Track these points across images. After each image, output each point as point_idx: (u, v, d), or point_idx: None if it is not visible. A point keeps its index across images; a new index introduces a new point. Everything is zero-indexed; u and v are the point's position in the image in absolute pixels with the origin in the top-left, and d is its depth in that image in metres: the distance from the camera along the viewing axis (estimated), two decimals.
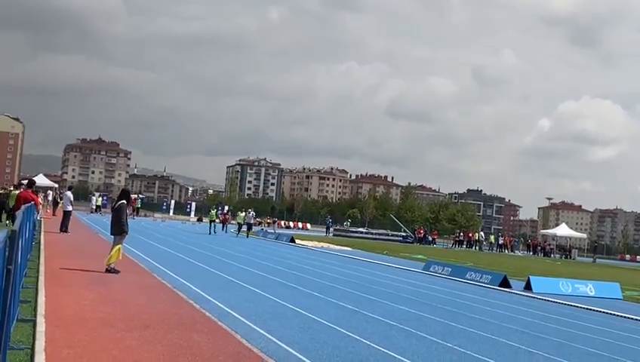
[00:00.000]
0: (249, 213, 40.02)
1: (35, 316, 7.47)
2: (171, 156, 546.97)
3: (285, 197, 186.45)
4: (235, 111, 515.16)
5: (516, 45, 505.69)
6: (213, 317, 8.69)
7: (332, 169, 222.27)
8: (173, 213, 65.61)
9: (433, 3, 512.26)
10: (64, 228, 22.84)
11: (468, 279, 19.68)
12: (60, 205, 36.20)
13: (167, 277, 12.77)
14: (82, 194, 77.72)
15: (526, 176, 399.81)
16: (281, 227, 64.10)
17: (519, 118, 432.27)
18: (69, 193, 26.25)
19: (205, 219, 63.84)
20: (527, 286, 18.26)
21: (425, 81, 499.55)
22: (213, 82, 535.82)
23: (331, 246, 35.45)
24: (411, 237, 60.00)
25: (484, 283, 18.93)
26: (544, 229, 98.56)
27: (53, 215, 34.95)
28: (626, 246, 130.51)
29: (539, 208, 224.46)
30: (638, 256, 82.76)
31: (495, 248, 61.51)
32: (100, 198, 56.78)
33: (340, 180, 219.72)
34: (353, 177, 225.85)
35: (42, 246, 15.75)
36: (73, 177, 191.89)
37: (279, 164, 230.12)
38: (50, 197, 42.95)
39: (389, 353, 7.59)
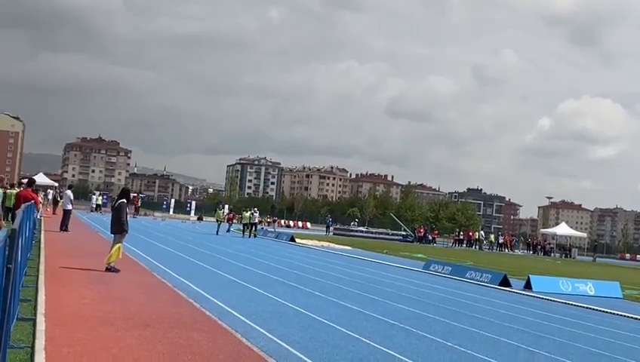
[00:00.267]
0: (254, 212, 38.91)
1: (35, 315, 7.46)
2: (171, 155, 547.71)
3: (285, 196, 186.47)
4: (236, 110, 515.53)
5: (516, 44, 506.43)
6: (213, 316, 8.69)
7: (332, 168, 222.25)
8: (174, 212, 65.61)
9: (433, 2, 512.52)
10: (64, 227, 22.84)
11: (468, 278, 19.68)
12: (60, 204, 36.20)
13: (167, 276, 12.76)
14: (82, 193, 77.67)
15: (526, 175, 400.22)
16: (281, 226, 64.09)
17: (519, 117, 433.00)
18: (69, 192, 26.24)
19: (206, 218, 64.16)
20: (527, 286, 18.25)
21: (425, 80, 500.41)
22: (214, 81, 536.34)
23: (331, 245, 35.46)
24: (411, 236, 60.01)
25: (484, 282, 18.92)
26: (544, 228, 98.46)
27: (54, 214, 34.93)
28: (626, 245, 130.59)
29: (539, 207, 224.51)
30: (638, 255, 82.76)
31: (495, 247, 61.49)
32: (100, 197, 56.80)
33: (340, 179, 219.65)
34: (353, 176, 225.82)
35: (42, 245, 15.75)
36: (73, 176, 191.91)
37: (279, 163, 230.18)
38: (50, 196, 42.96)
39: (389, 352, 7.59)
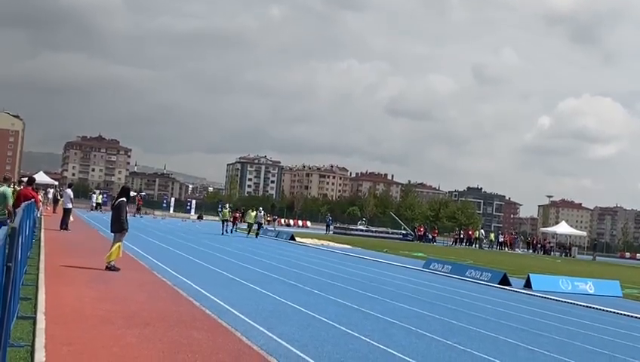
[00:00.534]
0: (259, 212, 37.85)
1: (35, 313, 7.47)
2: (171, 154, 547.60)
3: (285, 195, 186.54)
4: (236, 108, 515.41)
5: (516, 43, 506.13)
6: (213, 315, 8.70)
7: (332, 167, 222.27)
8: (174, 211, 65.63)
9: (433, 1, 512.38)
10: (64, 225, 22.86)
11: (468, 277, 19.68)
12: (60, 203, 36.21)
13: (167, 275, 12.77)
14: (82, 192, 77.72)
15: (526, 174, 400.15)
16: (281, 225, 64.09)
17: (519, 116, 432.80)
18: (69, 191, 26.27)
19: (206, 217, 64.17)
20: (527, 284, 18.26)
21: (425, 79, 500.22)
22: (214, 80, 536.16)
23: (331, 244, 35.47)
24: (411, 235, 60.04)
25: (484, 280, 18.93)
26: (544, 227, 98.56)
27: (54, 212, 34.95)
28: (625, 244, 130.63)
29: (539, 206, 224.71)
30: (637, 254, 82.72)
31: (495, 246, 61.53)
32: (100, 196, 56.82)
33: (340, 178, 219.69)
34: (353, 175, 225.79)
35: (42, 244, 15.76)
36: (73, 175, 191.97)
37: (279, 162, 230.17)
38: (50, 195, 42.97)
39: (389, 350, 7.60)
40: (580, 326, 11.74)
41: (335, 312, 10.15)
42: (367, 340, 8.08)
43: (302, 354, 6.93)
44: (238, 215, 43.25)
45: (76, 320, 7.38)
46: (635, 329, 12.12)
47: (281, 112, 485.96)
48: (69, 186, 29.44)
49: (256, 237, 34.97)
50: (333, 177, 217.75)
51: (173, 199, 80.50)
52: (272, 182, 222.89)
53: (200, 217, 63.20)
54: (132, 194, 55.10)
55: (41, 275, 10.38)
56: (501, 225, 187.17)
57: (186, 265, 15.79)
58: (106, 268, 12.28)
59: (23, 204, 10.75)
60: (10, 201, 10.84)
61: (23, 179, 17.06)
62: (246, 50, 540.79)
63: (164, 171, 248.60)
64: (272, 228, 46.94)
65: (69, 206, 24.44)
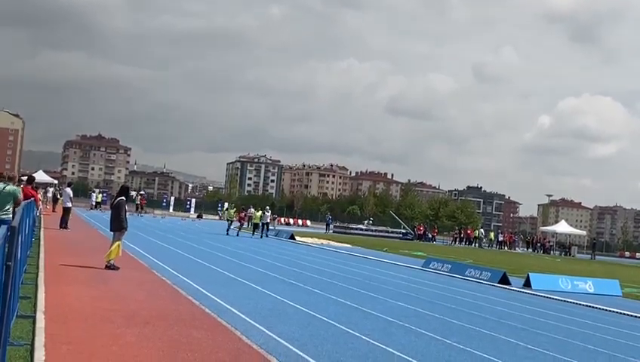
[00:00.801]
0: (266, 211, 36.51)
1: (35, 312, 7.47)
2: (171, 153, 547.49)
3: (285, 194, 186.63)
4: (236, 108, 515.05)
5: (517, 42, 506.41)
6: (212, 314, 8.70)
7: (332, 166, 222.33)
8: (173, 210, 65.64)
9: (434, 0, 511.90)
10: (64, 224, 22.86)
11: (467, 276, 19.69)
12: (59, 201, 36.23)
13: (167, 274, 12.78)
14: (82, 191, 77.81)
15: (526, 173, 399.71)
16: (281, 224, 64.09)
17: (519, 115, 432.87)
18: (68, 189, 26.27)
19: (206, 216, 64.19)
20: (527, 283, 18.27)
21: (425, 78, 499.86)
22: (214, 79, 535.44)
23: (331, 243, 35.48)
24: (411, 234, 60.08)
25: (483, 280, 18.94)
26: (544, 226, 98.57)
27: (53, 211, 34.96)
28: (625, 243, 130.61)
29: (539, 205, 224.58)
30: (637, 253, 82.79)
31: (495, 245, 61.57)
32: (100, 195, 56.82)
33: (340, 177, 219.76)
34: (353, 174, 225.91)
35: (42, 243, 15.76)
36: (73, 173, 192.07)
37: (279, 161, 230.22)
38: (49, 194, 42.97)
39: (389, 349, 7.60)
40: (579, 325, 11.75)
41: (335, 311, 10.15)
42: (367, 339, 8.08)
43: (301, 353, 6.93)
44: (244, 215, 41.21)
45: (76, 319, 7.39)
46: (635, 329, 12.12)
47: (281, 111, 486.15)
48: (69, 185, 29.43)
49: (261, 238, 33.70)
50: (333, 176, 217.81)
51: (172, 198, 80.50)
52: (272, 181, 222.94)
53: (200, 216, 63.25)
54: (133, 193, 55.49)
55: (41, 274, 10.38)
56: (501, 224, 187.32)
57: (185, 264, 15.79)
58: (106, 267, 12.28)
59: (23, 203, 10.75)
60: (21, 196, 10.94)
61: (22, 178, 17.04)
62: (246, 50, 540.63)
63: (164, 170, 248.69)
64: (272, 228, 46.92)
65: (69, 205, 24.44)
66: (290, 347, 7.19)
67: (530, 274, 19.11)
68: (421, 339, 8.56)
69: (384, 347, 7.71)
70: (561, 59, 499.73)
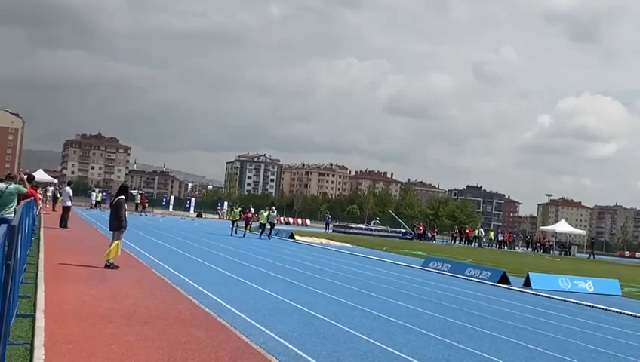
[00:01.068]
0: (272, 211, 34.86)
1: (35, 311, 7.47)
2: (171, 152, 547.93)
3: (285, 193, 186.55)
4: (235, 107, 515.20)
5: (516, 41, 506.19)
6: (212, 313, 8.70)
7: (332, 165, 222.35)
8: (173, 209, 65.63)
9: None
10: (63, 223, 22.86)
11: (467, 275, 19.68)
12: (59, 201, 36.23)
13: (167, 273, 12.77)
14: (82, 190, 77.76)
15: (526, 173, 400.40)
16: (281, 223, 64.07)
17: (519, 115, 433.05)
18: (68, 188, 26.28)
19: (205, 215, 64.19)
20: (527, 283, 18.26)
21: (425, 77, 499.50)
22: (214, 78, 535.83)
23: (331, 242, 35.46)
24: (411, 234, 60.09)
25: (483, 279, 18.93)
26: (544, 226, 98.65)
27: (53, 210, 34.96)
28: (625, 242, 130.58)
29: (538, 204, 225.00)
30: (637, 253, 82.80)
31: (495, 244, 61.59)
32: (100, 194, 56.81)
33: (340, 176, 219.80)
34: (353, 173, 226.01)
35: (42, 242, 15.77)
36: (73, 173, 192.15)
37: (279, 160, 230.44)
38: (49, 193, 42.98)
39: (388, 349, 7.60)
40: (579, 324, 11.75)
41: (334, 311, 10.15)
42: (367, 338, 8.08)
43: (301, 353, 6.93)
44: (251, 215, 40.26)
45: (75, 318, 7.38)
46: (635, 328, 12.12)
47: (281, 111, 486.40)
48: (69, 184, 29.43)
49: (269, 238, 32.52)
50: (333, 175, 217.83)
51: (172, 197, 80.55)
52: (272, 180, 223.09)
53: (199, 215, 63.25)
54: (134, 192, 55.50)
55: (41, 273, 10.38)
56: (500, 224, 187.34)
57: (185, 263, 15.79)
58: (105, 266, 12.28)
59: (23, 202, 10.76)
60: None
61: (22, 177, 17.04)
62: (246, 49, 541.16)
63: (164, 169, 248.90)
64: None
65: (69, 204, 24.44)
66: (290, 346, 7.19)
67: (530, 273, 19.10)
68: (421, 339, 8.56)
69: (383, 346, 7.71)
70: (561, 59, 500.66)
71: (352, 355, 7.10)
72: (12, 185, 10.72)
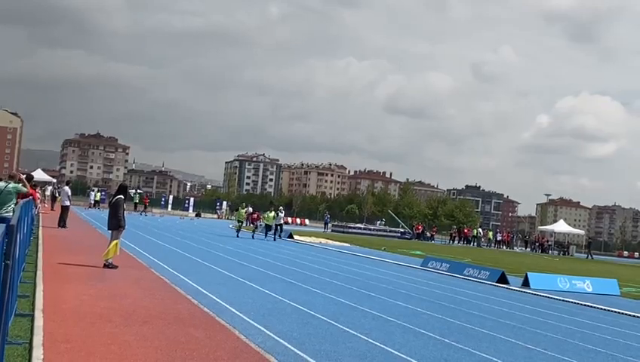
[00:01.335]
0: (279, 212, 33.64)
1: (33, 311, 7.47)
2: (170, 151, 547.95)
3: (284, 193, 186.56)
4: (234, 106, 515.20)
5: (515, 41, 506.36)
6: (211, 313, 8.70)
7: (330, 165, 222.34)
8: (172, 209, 65.62)
9: None
10: (62, 223, 22.84)
11: (466, 275, 19.69)
12: (58, 200, 36.20)
13: (166, 273, 12.77)
14: (81, 190, 77.72)
15: (524, 172, 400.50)
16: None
17: (518, 114, 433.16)
18: (66, 188, 26.27)
19: (204, 215, 64.13)
20: (525, 283, 18.27)
21: (424, 76, 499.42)
22: (213, 77, 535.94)
23: (329, 242, 35.46)
24: (409, 233, 60.10)
25: (482, 279, 18.94)
26: (542, 225, 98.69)
27: (52, 210, 34.93)
28: (623, 242, 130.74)
29: (537, 204, 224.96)
30: (635, 253, 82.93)
31: (493, 244, 61.62)
32: (99, 193, 56.79)
33: (339, 176, 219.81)
34: (352, 173, 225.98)
35: (40, 241, 15.75)
36: (71, 172, 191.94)
37: (278, 160, 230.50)
38: (48, 192, 42.95)
39: (387, 348, 7.60)
40: (577, 324, 11.76)
41: (333, 310, 10.15)
42: (366, 338, 8.08)
43: (300, 352, 6.93)
44: (257, 215, 39.24)
45: (74, 318, 7.38)
46: (633, 328, 12.13)
47: (280, 110, 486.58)
48: (67, 184, 29.42)
49: (274, 240, 31.42)
50: (332, 175, 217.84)
51: (171, 197, 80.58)
52: (271, 180, 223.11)
53: (198, 215, 63.21)
54: (133, 192, 55.42)
55: (39, 273, 10.38)
56: (499, 224, 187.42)
57: (184, 262, 15.78)
58: (104, 266, 12.27)
59: (21, 202, 10.75)
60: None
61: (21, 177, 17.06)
62: (245, 48, 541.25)
63: (163, 169, 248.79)
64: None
65: (67, 203, 24.43)
66: (289, 346, 7.19)
67: (528, 273, 19.11)
68: (419, 338, 8.56)
69: (382, 346, 7.71)
70: (559, 59, 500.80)
71: (351, 355, 7.10)
72: (11, 185, 10.74)
